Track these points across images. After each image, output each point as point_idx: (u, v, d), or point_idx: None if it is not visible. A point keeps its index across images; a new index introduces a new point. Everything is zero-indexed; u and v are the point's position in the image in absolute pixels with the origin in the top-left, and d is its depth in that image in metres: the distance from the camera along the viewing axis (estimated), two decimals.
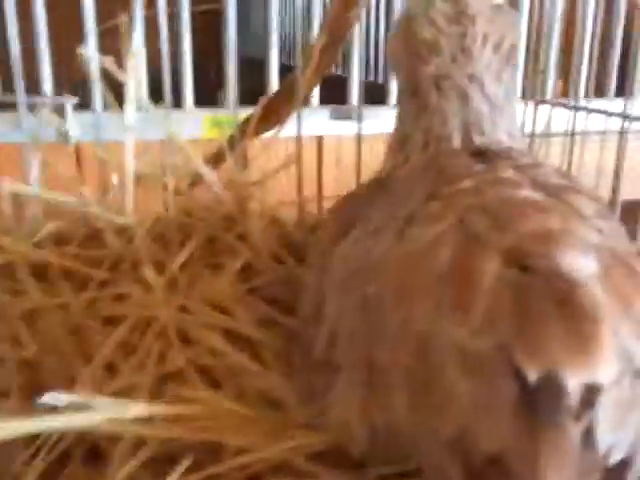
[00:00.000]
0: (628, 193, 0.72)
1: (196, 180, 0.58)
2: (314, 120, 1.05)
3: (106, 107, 0.85)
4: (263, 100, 0.60)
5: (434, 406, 0.24)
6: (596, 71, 0.72)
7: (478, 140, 0.41)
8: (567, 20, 0.74)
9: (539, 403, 0.21)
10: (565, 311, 0.22)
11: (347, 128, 1.01)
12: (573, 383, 0.21)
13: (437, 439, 0.23)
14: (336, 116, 1.06)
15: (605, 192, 0.73)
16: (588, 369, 0.21)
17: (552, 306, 0.22)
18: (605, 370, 0.21)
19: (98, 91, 0.84)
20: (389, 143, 0.46)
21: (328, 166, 1.11)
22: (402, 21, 0.45)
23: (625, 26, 0.71)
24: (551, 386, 0.21)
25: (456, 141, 0.41)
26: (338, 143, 1.06)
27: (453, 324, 0.23)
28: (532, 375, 0.21)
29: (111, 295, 0.47)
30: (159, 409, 0.32)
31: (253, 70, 1.42)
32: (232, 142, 0.60)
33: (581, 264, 0.24)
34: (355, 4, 0.57)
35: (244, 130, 0.60)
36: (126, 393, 0.38)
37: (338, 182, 1.07)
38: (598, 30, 0.69)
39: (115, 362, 0.41)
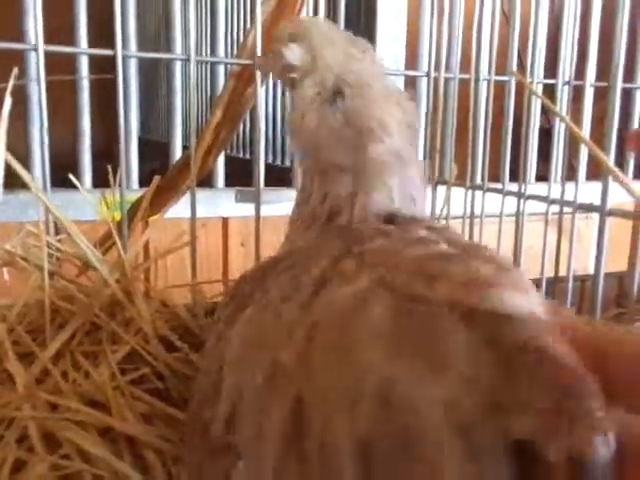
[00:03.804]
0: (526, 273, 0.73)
1: (86, 264, 0.54)
2: (220, 202, 1.04)
3: None
4: (156, 180, 0.57)
5: None
6: (490, 156, 0.74)
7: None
8: (461, 106, 0.77)
9: None
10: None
11: (253, 210, 1.00)
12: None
13: None
14: (241, 199, 1.05)
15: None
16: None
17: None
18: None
19: None
20: (290, 221, 0.44)
21: (234, 248, 1.09)
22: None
23: (515, 110, 0.75)
24: None
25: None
26: (244, 225, 1.04)
27: (433, 385, 0.20)
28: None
29: None
30: None
31: (157, 152, 1.40)
32: (121, 224, 0.56)
33: (533, 304, 0.22)
34: (252, 82, 0.57)
35: (135, 211, 0.57)
36: None
37: (245, 264, 1.05)
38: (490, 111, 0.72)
39: None
